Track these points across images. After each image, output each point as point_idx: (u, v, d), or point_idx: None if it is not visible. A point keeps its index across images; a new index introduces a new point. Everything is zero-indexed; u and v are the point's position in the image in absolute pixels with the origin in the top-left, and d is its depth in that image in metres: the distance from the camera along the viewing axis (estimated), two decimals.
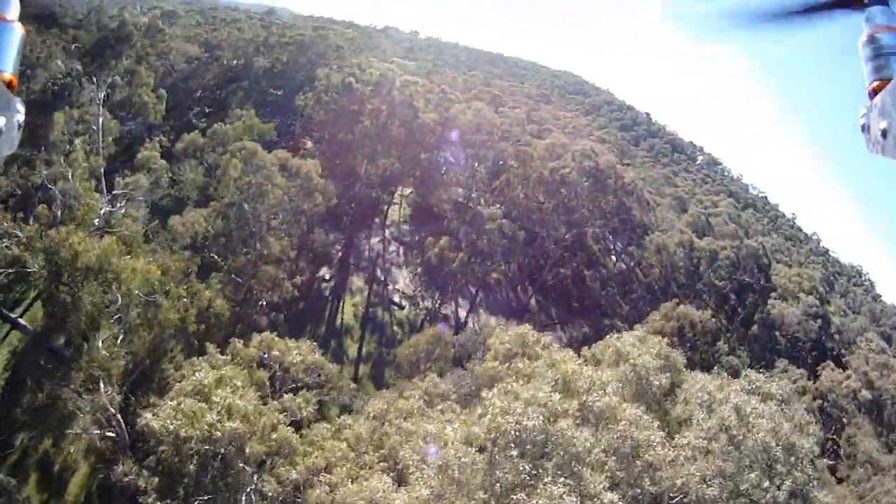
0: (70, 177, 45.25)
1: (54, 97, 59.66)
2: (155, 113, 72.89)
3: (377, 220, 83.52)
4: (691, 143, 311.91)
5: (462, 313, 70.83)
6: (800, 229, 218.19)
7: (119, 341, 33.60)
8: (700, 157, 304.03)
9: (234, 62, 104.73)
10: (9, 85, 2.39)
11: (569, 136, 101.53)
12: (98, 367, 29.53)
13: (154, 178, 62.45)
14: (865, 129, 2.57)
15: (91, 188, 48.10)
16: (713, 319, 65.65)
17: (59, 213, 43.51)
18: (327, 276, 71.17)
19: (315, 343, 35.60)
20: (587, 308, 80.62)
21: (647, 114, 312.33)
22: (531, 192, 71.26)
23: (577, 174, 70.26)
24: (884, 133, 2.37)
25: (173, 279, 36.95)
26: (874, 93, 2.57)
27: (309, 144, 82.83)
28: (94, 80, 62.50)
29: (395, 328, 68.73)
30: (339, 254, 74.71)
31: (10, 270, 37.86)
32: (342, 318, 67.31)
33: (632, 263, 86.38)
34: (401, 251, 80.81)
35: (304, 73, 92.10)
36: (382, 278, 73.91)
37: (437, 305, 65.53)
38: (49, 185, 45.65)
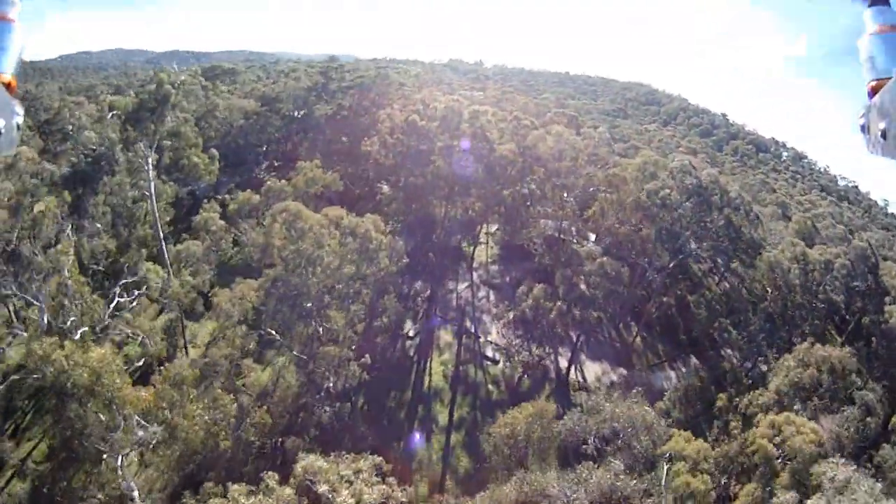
0: (64, 271, 39.33)
1: (90, 168, 56.33)
2: (208, 173, 68.66)
3: (462, 263, 76.56)
4: (773, 139, 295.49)
5: (563, 362, 62.41)
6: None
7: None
8: (785, 154, 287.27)
9: (296, 112, 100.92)
10: (8, 86, 2.37)
11: (657, 150, 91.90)
12: None
13: (213, 240, 58.14)
14: (865, 129, 2.48)
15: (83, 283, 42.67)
16: (853, 358, 54.52)
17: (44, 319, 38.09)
18: (411, 333, 64.39)
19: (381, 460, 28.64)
20: (695, 340, 71.66)
21: (724, 115, 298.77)
22: (628, 218, 62.56)
23: (678, 193, 61.23)
24: (883, 133, 2.30)
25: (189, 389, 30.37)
26: (873, 92, 2.48)
27: (385, 188, 77.42)
28: (139, 146, 58.95)
29: (490, 386, 61.09)
30: (424, 305, 68.01)
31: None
32: (430, 380, 60.24)
33: (741, 286, 75.58)
34: (491, 295, 73.46)
35: (369, 117, 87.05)
36: (472, 329, 66.53)
37: (534, 359, 57.48)
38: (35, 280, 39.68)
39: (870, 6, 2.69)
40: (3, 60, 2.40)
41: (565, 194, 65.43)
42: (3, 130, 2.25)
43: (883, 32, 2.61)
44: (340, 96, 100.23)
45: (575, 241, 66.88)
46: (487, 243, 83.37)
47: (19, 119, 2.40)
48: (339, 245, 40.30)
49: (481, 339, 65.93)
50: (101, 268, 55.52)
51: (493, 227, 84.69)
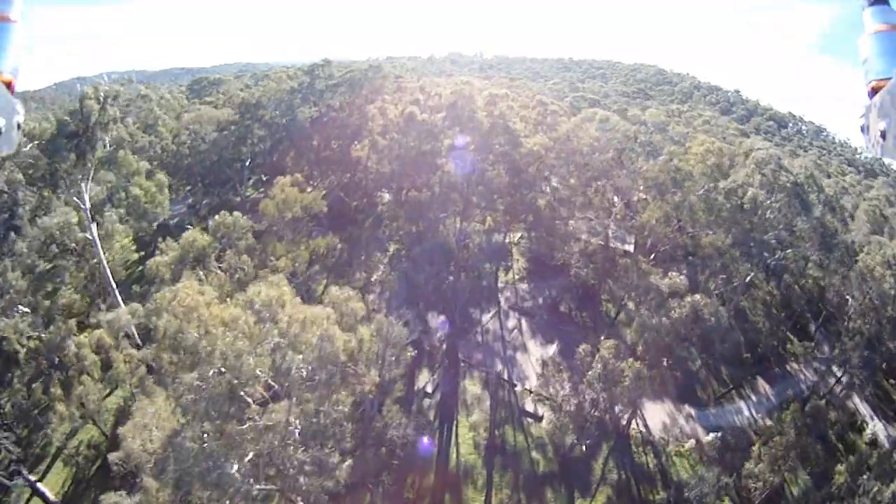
0: None
1: None
2: (155, 205, 54.26)
3: (485, 282, 61.39)
4: (790, 114, 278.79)
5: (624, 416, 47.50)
6: None
7: None
8: (804, 128, 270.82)
9: (282, 119, 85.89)
10: (8, 86, 2.36)
11: (708, 134, 75.73)
12: None
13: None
14: (865, 129, 2.45)
15: None
16: None
17: None
18: (429, 388, 49.39)
19: None
20: (760, 358, 58.37)
21: (737, 91, 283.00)
22: (701, 222, 47.19)
23: (764, 192, 45.91)
24: (883, 134, 2.27)
25: None
26: (874, 92, 2.44)
27: (387, 197, 62.33)
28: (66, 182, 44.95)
29: (535, 454, 46.39)
30: (442, 345, 53.03)
31: None
32: (457, 453, 45.23)
33: (833, 296, 59.99)
34: (524, 324, 58.17)
35: (359, 115, 71.91)
36: (506, 375, 51.45)
37: (589, 410, 42.60)
38: None
39: (870, 6, 2.59)
40: (3, 60, 2.34)
41: (614, 196, 49.84)
42: (2, 129, 2.22)
43: (883, 32, 2.49)
44: (329, 96, 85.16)
45: (635, 261, 51.14)
46: (512, 256, 68.06)
47: (20, 118, 2.35)
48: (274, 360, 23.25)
49: (518, 388, 50.81)
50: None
51: (517, 235, 69.54)
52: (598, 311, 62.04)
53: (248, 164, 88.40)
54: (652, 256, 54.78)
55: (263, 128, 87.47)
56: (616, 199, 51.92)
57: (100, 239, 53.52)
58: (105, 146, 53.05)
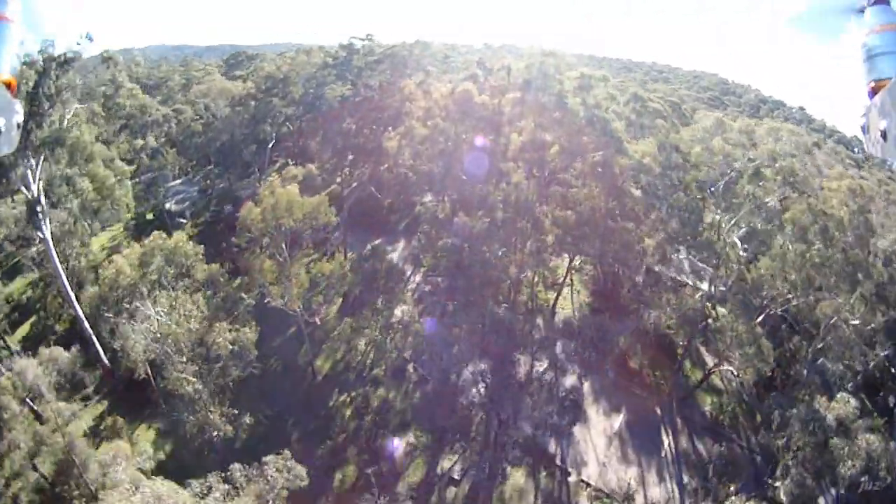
0: None
1: None
2: (111, 202, 41.43)
3: (538, 319, 47.27)
4: (855, 137, 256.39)
5: None
6: None
7: None
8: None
9: (311, 96, 72.52)
10: (8, 86, 2.32)
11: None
12: None
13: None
14: (865, 129, 2.43)
15: None
16: None
17: None
18: (456, 472, 35.62)
19: None
20: None
21: (801, 108, 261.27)
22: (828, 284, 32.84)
23: None
24: (883, 134, 2.24)
25: None
26: (874, 92, 2.43)
27: (428, 200, 48.67)
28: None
29: None
30: (478, 414, 39.08)
31: None
32: None
33: None
34: (585, 385, 43.82)
35: (400, 98, 58.15)
36: (560, 459, 37.50)
37: None
38: None
39: (870, 6, 2.57)
40: (2, 61, 2.28)
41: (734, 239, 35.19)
42: (2, 129, 2.17)
43: (883, 32, 2.46)
44: (368, 74, 71.69)
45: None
46: (571, 285, 53.63)
47: (19, 118, 2.30)
48: None
49: (572, 478, 36.83)
50: None
51: (578, 260, 55.05)
52: (677, 370, 47.70)
53: (271, 146, 75.46)
54: (759, 319, 40.27)
55: (291, 106, 74.54)
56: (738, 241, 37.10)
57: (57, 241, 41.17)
58: (61, 122, 40.05)
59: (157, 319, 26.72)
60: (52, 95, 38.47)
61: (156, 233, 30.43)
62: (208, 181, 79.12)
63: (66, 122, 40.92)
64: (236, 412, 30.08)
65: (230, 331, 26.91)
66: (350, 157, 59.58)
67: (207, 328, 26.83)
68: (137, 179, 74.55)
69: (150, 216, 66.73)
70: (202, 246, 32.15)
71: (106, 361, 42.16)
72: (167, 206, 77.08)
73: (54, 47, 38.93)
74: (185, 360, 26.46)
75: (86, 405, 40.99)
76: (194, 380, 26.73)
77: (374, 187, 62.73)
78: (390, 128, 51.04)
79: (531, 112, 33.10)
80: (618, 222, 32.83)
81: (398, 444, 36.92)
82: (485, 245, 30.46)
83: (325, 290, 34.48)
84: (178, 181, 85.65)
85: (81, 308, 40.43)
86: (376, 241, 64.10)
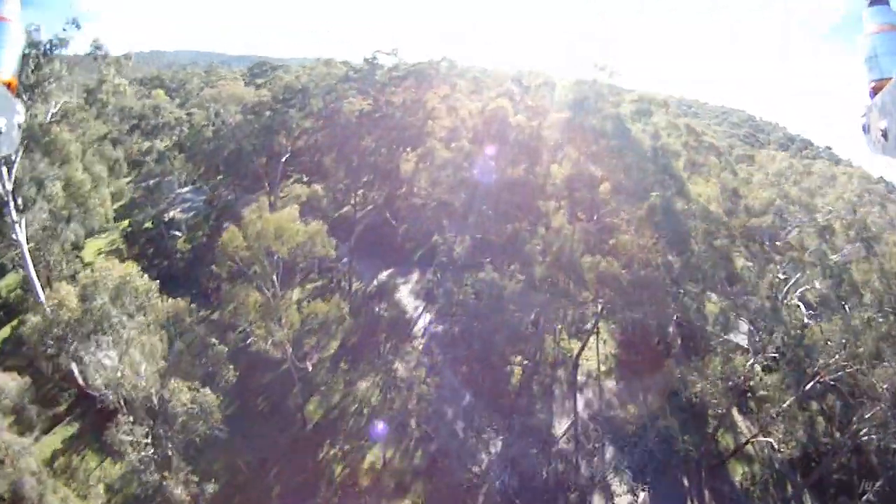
0: None
1: None
2: (83, 211, 36.77)
3: (561, 373, 41.66)
4: (881, 178, 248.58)
5: None
6: None
7: None
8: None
9: (329, 110, 67.87)
10: (8, 86, 2.31)
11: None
12: None
13: None
14: (866, 129, 2.42)
15: None
16: None
17: None
18: None
19: None
20: None
21: (828, 147, 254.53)
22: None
23: None
24: (884, 133, 2.26)
25: None
26: (875, 92, 2.41)
27: (454, 240, 43.47)
28: None
29: None
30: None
31: None
32: None
33: None
34: (611, 480, 37.80)
35: (424, 115, 53.29)
36: None
37: None
38: None
39: (870, 6, 2.56)
40: (2, 60, 2.25)
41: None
42: (3, 129, 2.14)
43: (883, 32, 2.47)
44: (391, 90, 66.95)
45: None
46: (598, 334, 47.75)
47: (20, 118, 2.27)
48: None
49: None
50: None
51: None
52: (710, 437, 42.06)
53: (284, 159, 70.77)
54: (807, 387, 34.78)
55: (308, 118, 69.95)
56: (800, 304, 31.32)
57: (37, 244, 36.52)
58: (47, 115, 35.49)
59: (103, 366, 21.60)
60: (31, 86, 33.98)
61: (100, 260, 25.44)
62: (215, 192, 74.72)
63: (49, 116, 36.40)
64: (196, 480, 24.57)
65: (189, 389, 21.66)
66: (365, 177, 54.77)
67: (161, 383, 21.68)
68: (146, 183, 70.41)
69: (148, 224, 61.94)
70: (157, 281, 26.59)
71: (80, 379, 37.39)
72: (171, 214, 72.68)
73: (39, 32, 34.56)
74: (131, 419, 21.25)
75: (54, 427, 36.32)
76: (144, 441, 21.46)
77: (388, 213, 57.70)
78: (409, 148, 46.02)
79: (578, 139, 27.61)
80: (679, 285, 27.20)
81: None
82: (514, 305, 24.86)
83: (319, 333, 29.18)
84: (188, 188, 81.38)
85: None
86: (387, 272, 58.57)
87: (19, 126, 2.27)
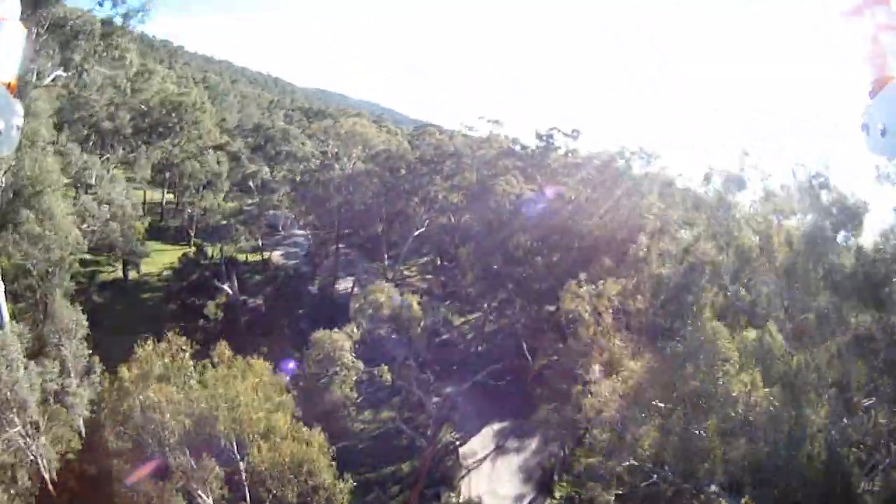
0: None
1: None
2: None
3: None
4: None
5: None
6: None
7: None
8: None
9: (480, 188, 52.87)
10: (8, 87, 2.27)
11: None
12: None
13: None
14: (866, 128, 2.39)
15: None
16: None
17: None
18: None
19: None
20: None
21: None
22: None
23: None
24: (883, 132, 2.26)
25: None
26: (875, 92, 2.40)
27: None
28: None
29: None
30: None
31: None
32: None
33: None
34: None
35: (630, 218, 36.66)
36: None
37: None
38: None
39: (870, 6, 2.53)
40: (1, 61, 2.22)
41: None
42: (2, 130, 2.13)
43: (883, 32, 2.44)
44: (563, 180, 50.81)
45: None
46: None
47: (19, 120, 2.23)
48: None
49: None
50: None
51: None
52: None
53: (418, 233, 56.26)
54: None
55: (455, 191, 55.12)
56: None
57: None
58: None
59: None
60: None
61: None
62: (315, 241, 61.08)
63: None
64: None
65: None
66: (503, 293, 38.57)
67: None
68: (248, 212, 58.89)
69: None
70: None
71: None
72: (269, 254, 60.17)
73: None
74: None
75: None
76: None
77: (525, 344, 40.72)
78: (583, 274, 29.48)
79: None
80: None
81: None
82: None
83: None
84: (304, 231, 67.60)
85: None
86: (496, 426, 41.35)
87: (18, 128, 2.19)
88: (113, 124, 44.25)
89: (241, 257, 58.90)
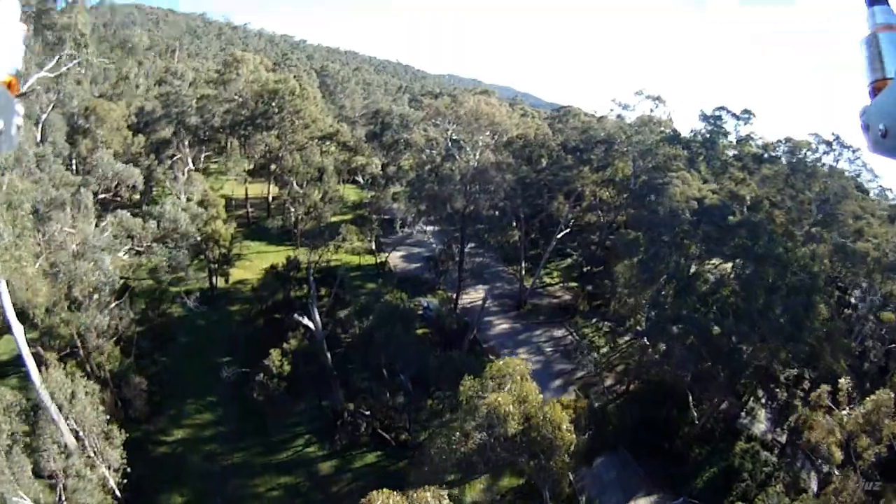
0: None
1: None
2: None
3: None
4: None
5: None
6: None
7: None
8: None
9: (641, 184, 42.59)
10: (9, 86, 2.18)
11: None
12: None
13: None
14: (866, 128, 2.28)
15: None
16: None
17: None
18: None
19: None
20: None
21: None
22: None
23: None
24: (884, 133, 2.16)
25: None
26: (875, 92, 2.31)
27: None
28: None
29: None
30: None
31: None
32: None
33: None
34: None
35: None
36: None
37: None
38: None
39: (870, 6, 2.45)
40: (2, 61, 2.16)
41: None
42: (2, 130, 2.03)
43: (883, 32, 2.36)
44: (736, 174, 38.94)
45: None
46: None
47: (19, 120, 2.14)
48: None
49: None
50: None
51: None
52: None
53: (561, 235, 47.18)
54: None
55: (607, 186, 45.14)
56: None
57: None
58: None
59: None
60: None
61: None
62: (443, 245, 52.52)
63: None
64: None
65: None
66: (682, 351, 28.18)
67: None
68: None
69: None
70: None
71: None
72: (384, 256, 53.13)
73: None
74: None
75: None
76: None
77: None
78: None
79: None
80: None
81: None
82: None
83: None
84: (430, 227, 58.18)
85: None
86: None
87: (18, 127, 2.10)
88: (201, 118, 39.06)
89: (355, 260, 51.82)
